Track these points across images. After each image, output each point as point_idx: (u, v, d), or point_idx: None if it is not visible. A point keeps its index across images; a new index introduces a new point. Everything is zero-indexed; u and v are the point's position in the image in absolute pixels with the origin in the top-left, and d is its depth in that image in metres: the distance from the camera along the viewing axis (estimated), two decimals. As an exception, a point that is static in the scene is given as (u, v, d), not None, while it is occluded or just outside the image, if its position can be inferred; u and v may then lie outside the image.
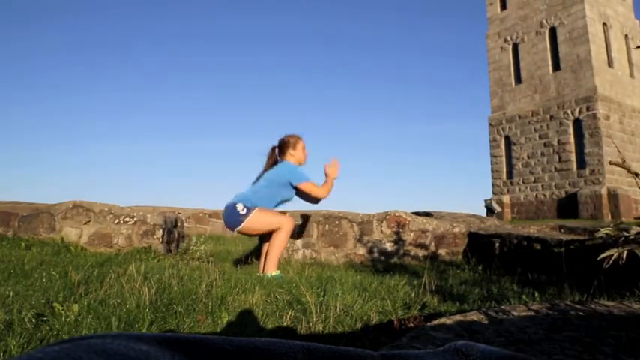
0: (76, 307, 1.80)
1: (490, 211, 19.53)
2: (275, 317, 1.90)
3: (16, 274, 2.69)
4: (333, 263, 4.43)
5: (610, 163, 1.65)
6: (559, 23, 18.48)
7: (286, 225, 3.13)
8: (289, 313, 1.91)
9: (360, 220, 4.76)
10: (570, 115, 17.68)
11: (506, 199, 19.59)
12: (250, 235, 3.46)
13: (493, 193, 20.44)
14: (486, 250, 4.32)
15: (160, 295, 2.06)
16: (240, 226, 3.10)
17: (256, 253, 4.17)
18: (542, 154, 18.48)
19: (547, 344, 1.10)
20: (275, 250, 3.12)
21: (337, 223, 4.74)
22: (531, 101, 19.22)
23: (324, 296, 2.20)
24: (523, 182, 19.11)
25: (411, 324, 1.75)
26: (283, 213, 3.38)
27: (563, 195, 17.59)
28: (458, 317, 1.37)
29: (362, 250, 4.66)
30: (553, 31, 18.84)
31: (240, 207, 3.11)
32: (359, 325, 1.83)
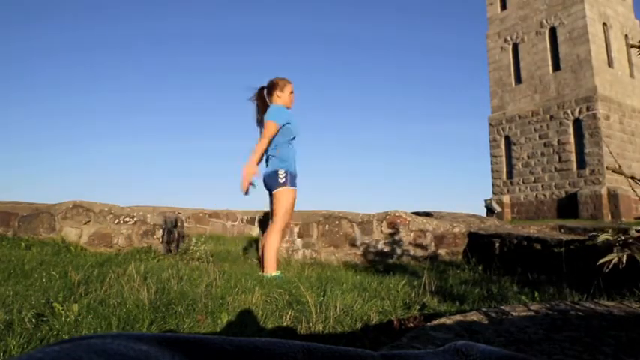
0: (76, 307, 1.80)
1: (490, 211, 19.53)
2: (275, 317, 1.90)
3: (16, 274, 2.69)
4: (333, 263, 4.43)
5: (607, 168, 1.65)
6: (559, 23, 18.49)
7: (281, 220, 3.19)
8: (289, 313, 1.91)
9: (360, 220, 4.76)
10: (570, 115, 17.69)
11: (506, 199, 19.60)
12: (272, 203, 3.42)
13: (493, 193, 20.45)
14: (486, 250, 4.32)
15: (160, 295, 2.06)
16: (278, 189, 3.20)
17: (256, 253, 4.17)
18: (542, 154, 18.48)
19: (547, 344, 1.10)
20: (270, 250, 3.14)
21: (337, 223, 4.74)
22: (531, 101, 19.22)
23: (324, 296, 2.20)
24: (523, 182, 19.11)
25: (411, 324, 1.75)
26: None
27: (563, 195, 17.59)
28: (458, 317, 1.37)
29: (362, 250, 4.66)
30: (553, 31, 18.84)
31: (281, 173, 3.20)
32: (359, 325, 1.83)
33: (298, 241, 4.66)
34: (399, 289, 2.54)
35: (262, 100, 3.41)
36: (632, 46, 1.57)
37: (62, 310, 1.77)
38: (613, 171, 1.57)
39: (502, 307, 1.55)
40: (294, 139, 3.36)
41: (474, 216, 6.30)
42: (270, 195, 3.28)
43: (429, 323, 1.33)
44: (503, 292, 2.71)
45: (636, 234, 1.47)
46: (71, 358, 0.26)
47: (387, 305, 2.15)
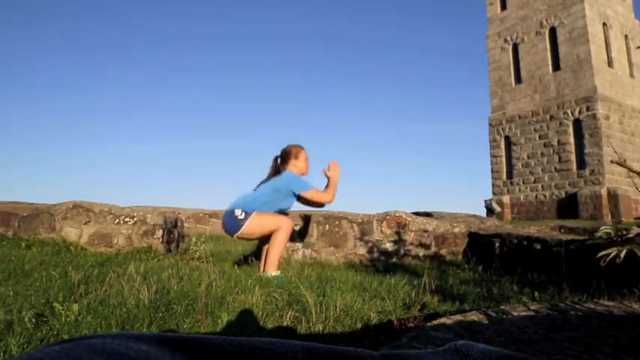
0: (75, 307, 1.80)
1: (490, 211, 19.53)
2: (275, 317, 1.90)
3: (16, 274, 2.69)
4: (333, 263, 4.43)
5: (612, 161, 1.65)
6: (559, 23, 18.49)
7: (285, 225, 3.14)
8: (289, 313, 1.91)
9: (360, 220, 4.76)
10: (570, 115, 17.69)
11: (506, 199, 19.60)
12: (250, 239, 3.46)
13: (493, 193, 20.45)
14: (486, 250, 4.32)
15: (160, 295, 2.06)
16: (239, 231, 3.13)
17: (256, 253, 4.17)
18: (542, 154, 18.48)
19: (547, 344, 1.10)
20: (275, 250, 3.12)
21: (337, 223, 4.74)
22: (531, 101, 19.22)
23: (324, 296, 2.20)
24: (523, 182, 19.11)
25: (411, 324, 1.75)
26: (285, 214, 3.38)
27: (563, 195, 17.59)
28: (458, 317, 1.37)
29: (362, 250, 4.66)
30: (553, 31, 18.84)
31: (238, 212, 3.13)
32: (359, 325, 1.83)
33: (298, 241, 4.66)
34: (399, 289, 2.54)
35: (276, 169, 3.41)
36: (639, 47, 1.57)
37: (62, 310, 1.77)
38: (618, 163, 1.57)
39: (502, 307, 1.55)
40: (281, 211, 3.35)
41: (474, 216, 6.30)
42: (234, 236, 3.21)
43: (429, 323, 1.33)
44: (503, 292, 2.71)
45: (637, 229, 1.47)
46: (71, 358, 0.26)
47: (387, 305, 2.15)
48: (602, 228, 1.47)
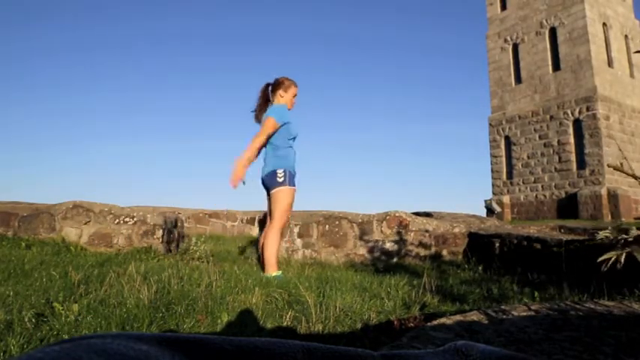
0: (76, 307, 1.80)
1: (490, 211, 19.53)
2: (275, 317, 1.90)
3: (16, 274, 2.69)
4: (333, 263, 4.43)
5: (608, 165, 1.65)
6: (559, 23, 18.49)
7: (279, 220, 3.18)
8: (289, 313, 1.91)
9: (360, 221, 4.76)
10: (570, 115, 17.68)
11: (506, 199, 19.59)
12: (270, 203, 3.41)
13: (493, 194, 20.44)
14: (486, 250, 4.32)
15: (160, 295, 2.06)
16: (275, 189, 3.19)
17: (256, 253, 4.16)
18: (542, 155, 18.48)
19: (547, 344, 1.10)
20: (269, 249, 3.13)
21: (337, 223, 4.74)
22: (531, 101, 19.22)
23: (324, 296, 2.20)
24: (523, 182, 19.11)
25: (411, 324, 1.75)
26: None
27: (563, 195, 17.59)
28: (458, 317, 1.37)
29: (362, 250, 4.66)
30: (553, 31, 18.84)
31: (280, 172, 3.21)
32: (359, 325, 1.83)
33: (298, 241, 4.66)
34: (399, 289, 2.54)
35: (265, 97, 3.43)
36: (637, 52, 1.57)
37: (62, 310, 1.77)
38: (615, 168, 1.57)
39: (502, 307, 1.55)
40: (294, 139, 3.37)
41: (474, 216, 6.30)
42: (268, 194, 3.28)
43: (429, 323, 1.33)
44: (504, 292, 2.71)
45: (637, 232, 1.47)
46: (71, 358, 0.26)
47: (387, 305, 2.15)
48: (602, 232, 1.47)
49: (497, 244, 4.22)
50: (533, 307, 1.51)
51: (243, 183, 3.17)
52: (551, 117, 18.28)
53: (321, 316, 1.85)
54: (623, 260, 1.36)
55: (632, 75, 19.21)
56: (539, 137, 18.68)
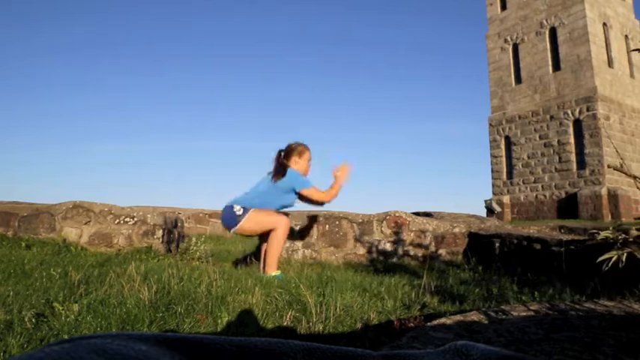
0: (76, 307, 1.80)
1: (490, 211, 19.53)
2: (275, 317, 1.90)
3: (16, 274, 2.69)
4: (333, 263, 4.43)
5: (609, 166, 1.65)
6: (559, 23, 18.48)
7: (282, 224, 3.14)
8: (289, 313, 1.91)
9: (360, 221, 4.76)
10: (570, 115, 17.68)
11: (506, 199, 19.59)
12: (248, 236, 3.47)
13: (493, 194, 20.44)
14: (486, 251, 4.32)
15: (160, 295, 2.06)
16: (237, 226, 3.14)
17: (256, 253, 4.16)
18: (543, 155, 18.48)
19: (547, 344, 1.10)
20: (273, 250, 3.12)
21: (337, 223, 4.74)
22: (531, 101, 19.22)
23: (324, 296, 2.20)
24: (523, 182, 19.11)
25: (411, 324, 1.75)
26: (286, 214, 3.39)
27: (563, 195, 17.59)
28: (458, 317, 1.37)
29: (362, 251, 4.66)
30: (553, 32, 18.84)
31: (237, 208, 3.16)
32: (359, 325, 1.83)
33: (298, 241, 4.66)
34: (399, 289, 2.54)
35: (280, 162, 3.40)
36: (634, 50, 1.57)
37: (62, 310, 1.77)
38: (614, 169, 1.57)
39: (502, 307, 1.55)
40: (285, 207, 3.37)
41: (474, 216, 6.30)
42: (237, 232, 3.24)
43: (429, 323, 1.33)
44: (504, 292, 2.71)
45: (637, 232, 1.47)
46: (71, 358, 0.26)
47: (387, 305, 2.15)
48: (602, 232, 1.47)
49: (497, 244, 4.22)
50: (532, 307, 1.51)
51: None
52: (552, 117, 18.27)
53: (321, 316, 1.85)
54: (624, 260, 1.36)
55: (632, 75, 19.21)
56: (540, 137, 18.68)
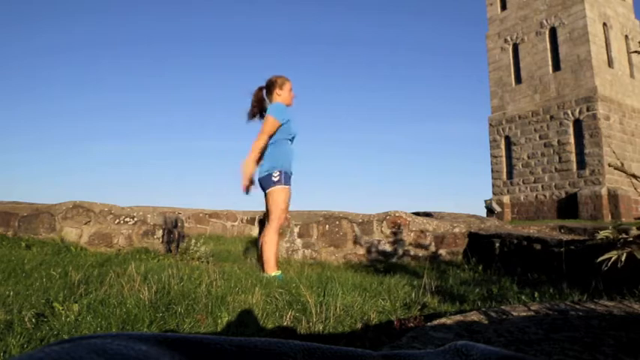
0: (76, 307, 1.80)
1: (490, 211, 19.53)
2: (275, 317, 1.90)
3: (16, 274, 2.69)
4: (333, 263, 4.43)
5: (609, 165, 1.65)
6: (559, 23, 18.48)
7: (277, 219, 3.16)
8: (289, 313, 1.91)
9: (360, 221, 4.76)
10: (570, 115, 17.68)
11: (506, 199, 19.59)
12: (267, 202, 3.39)
13: (493, 194, 20.44)
14: (486, 251, 4.32)
15: (160, 295, 2.06)
16: (271, 188, 3.17)
17: (256, 253, 4.16)
18: (543, 155, 18.48)
19: (547, 344, 1.10)
20: (267, 250, 3.12)
21: (337, 223, 4.73)
22: (531, 101, 19.22)
23: (324, 296, 2.20)
24: (523, 182, 19.11)
25: (411, 324, 1.75)
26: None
27: (563, 195, 17.59)
28: (458, 317, 1.37)
29: (362, 251, 4.66)
30: (553, 32, 18.84)
31: (275, 173, 3.18)
32: (359, 325, 1.83)
33: (298, 241, 4.66)
34: (399, 289, 2.54)
35: (259, 100, 3.37)
36: (634, 52, 1.57)
37: (62, 310, 1.77)
38: (615, 168, 1.57)
39: (502, 307, 1.55)
40: (293, 138, 3.34)
41: (474, 216, 6.30)
42: (265, 195, 3.26)
43: (429, 323, 1.33)
44: (504, 292, 2.71)
45: (637, 232, 1.47)
46: (71, 358, 0.26)
47: (388, 305, 2.15)
48: (602, 232, 1.47)
49: (497, 244, 4.22)
50: (533, 308, 1.51)
51: (254, 185, 3.19)
52: (552, 117, 18.27)
53: (321, 316, 1.85)
54: (624, 259, 1.36)
55: (632, 75, 19.21)
56: (540, 137, 18.69)
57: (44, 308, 1.84)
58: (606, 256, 1.40)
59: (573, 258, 3.19)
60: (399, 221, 4.75)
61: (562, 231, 4.70)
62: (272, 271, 3.09)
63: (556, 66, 18.58)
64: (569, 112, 17.71)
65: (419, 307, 2.16)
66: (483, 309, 1.51)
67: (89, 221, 4.67)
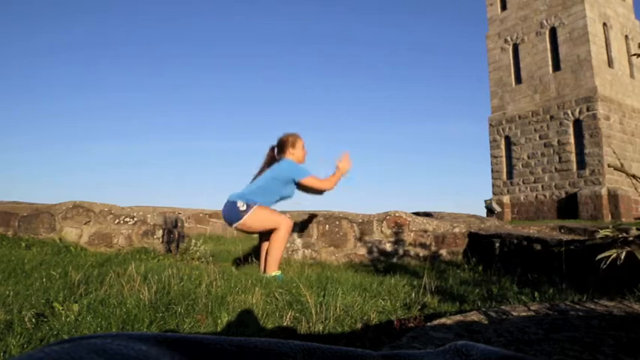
0: (76, 307, 1.80)
1: (490, 211, 19.53)
2: (275, 317, 1.90)
3: (16, 274, 2.69)
4: (333, 263, 4.43)
5: (609, 165, 1.65)
6: (559, 24, 18.49)
7: (285, 224, 3.13)
8: (289, 313, 1.91)
9: (360, 221, 4.76)
10: (570, 115, 17.68)
11: (506, 199, 19.59)
12: (249, 233, 3.47)
13: (493, 194, 20.44)
14: (486, 251, 4.32)
15: (160, 295, 2.06)
16: (240, 222, 3.12)
17: (256, 253, 4.16)
18: (543, 155, 18.48)
19: (547, 344, 1.10)
20: (275, 250, 3.12)
21: (337, 223, 4.73)
22: (531, 101, 19.22)
23: (324, 296, 2.20)
24: (523, 182, 19.11)
25: (411, 324, 1.75)
26: (283, 212, 3.39)
27: (563, 195, 17.59)
28: (458, 317, 1.37)
29: (362, 251, 4.66)
30: (553, 32, 18.84)
31: (240, 203, 3.14)
32: (359, 325, 1.83)
33: (298, 241, 4.66)
34: (399, 290, 2.54)
35: (271, 161, 3.38)
36: (634, 55, 1.57)
37: (62, 310, 1.77)
38: (615, 168, 1.57)
39: (502, 307, 1.55)
40: (283, 199, 3.34)
41: (474, 216, 6.30)
42: (238, 228, 3.21)
43: (429, 323, 1.33)
44: (504, 292, 2.71)
45: (637, 232, 1.47)
46: (71, 358, 0.26)
47: (388, 305, 2.15)
48: (602, 231, 1.47)
49: (497, 245, 4.22)
50: (533, 308, 1.51)
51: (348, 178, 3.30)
52: (552, 117, 18.27)
53: (321, 316, 1.85)
54: (622, 257, 1.36)
55: (632, 75, 19.21)
56: (540, 137, 18.69)
57: (44, 308, 1.84)
58: (605, 254, 1.40)
59: (573, 258, 3.19)
60: (399, 221, 4.75)
61: (562, 231, 4.70)
62: (273, 271, 3.09)
63: (556, 66, 18.58)
64: (569, 112, 17.71)
65: (419, 307, 2.16)
66: (483, 309, 1.51)
67: (89, 221, 4.67)
